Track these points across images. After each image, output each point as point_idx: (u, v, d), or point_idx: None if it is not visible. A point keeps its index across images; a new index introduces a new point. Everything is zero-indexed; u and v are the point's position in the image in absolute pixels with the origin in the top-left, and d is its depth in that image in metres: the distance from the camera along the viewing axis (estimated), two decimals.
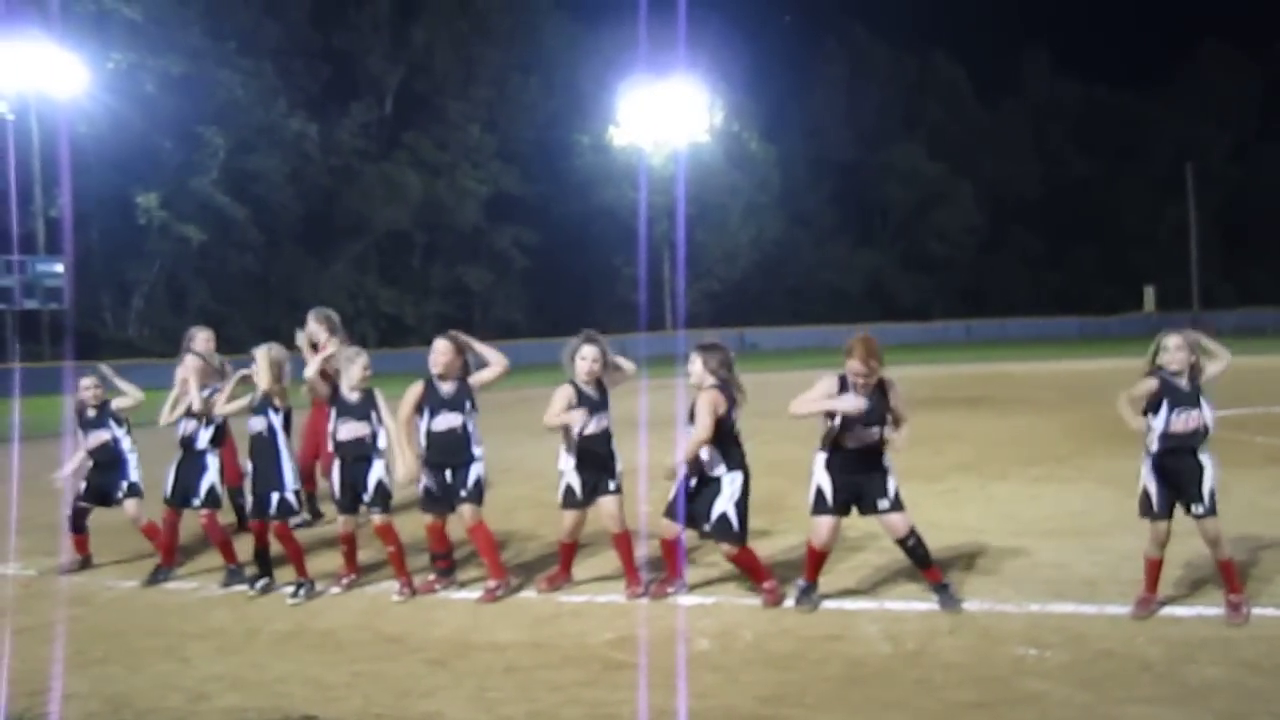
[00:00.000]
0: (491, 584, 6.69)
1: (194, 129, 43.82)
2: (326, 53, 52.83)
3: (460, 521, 6.76)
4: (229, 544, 7.56)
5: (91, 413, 7.87)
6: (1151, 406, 5.79)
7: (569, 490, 6.64)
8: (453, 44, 54.27)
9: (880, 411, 6.02)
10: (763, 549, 6.97)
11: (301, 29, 51.56)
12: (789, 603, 6.25)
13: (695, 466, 6.25)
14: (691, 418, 6.25)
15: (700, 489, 6.26)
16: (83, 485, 7.95)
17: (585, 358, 6.55)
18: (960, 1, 79.71)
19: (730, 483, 6.21)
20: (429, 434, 6.70)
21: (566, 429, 6.51)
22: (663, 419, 6.28)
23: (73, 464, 8.04)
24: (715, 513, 6.19)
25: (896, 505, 6.08)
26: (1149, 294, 59.51)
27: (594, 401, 6.56)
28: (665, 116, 51.92)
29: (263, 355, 7.05)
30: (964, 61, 69.67)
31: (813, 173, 64.33)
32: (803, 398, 6.05)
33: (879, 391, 6.02)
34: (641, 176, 52.96)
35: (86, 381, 7.90)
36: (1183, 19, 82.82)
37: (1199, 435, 5.72)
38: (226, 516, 9.31)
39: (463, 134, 53.63)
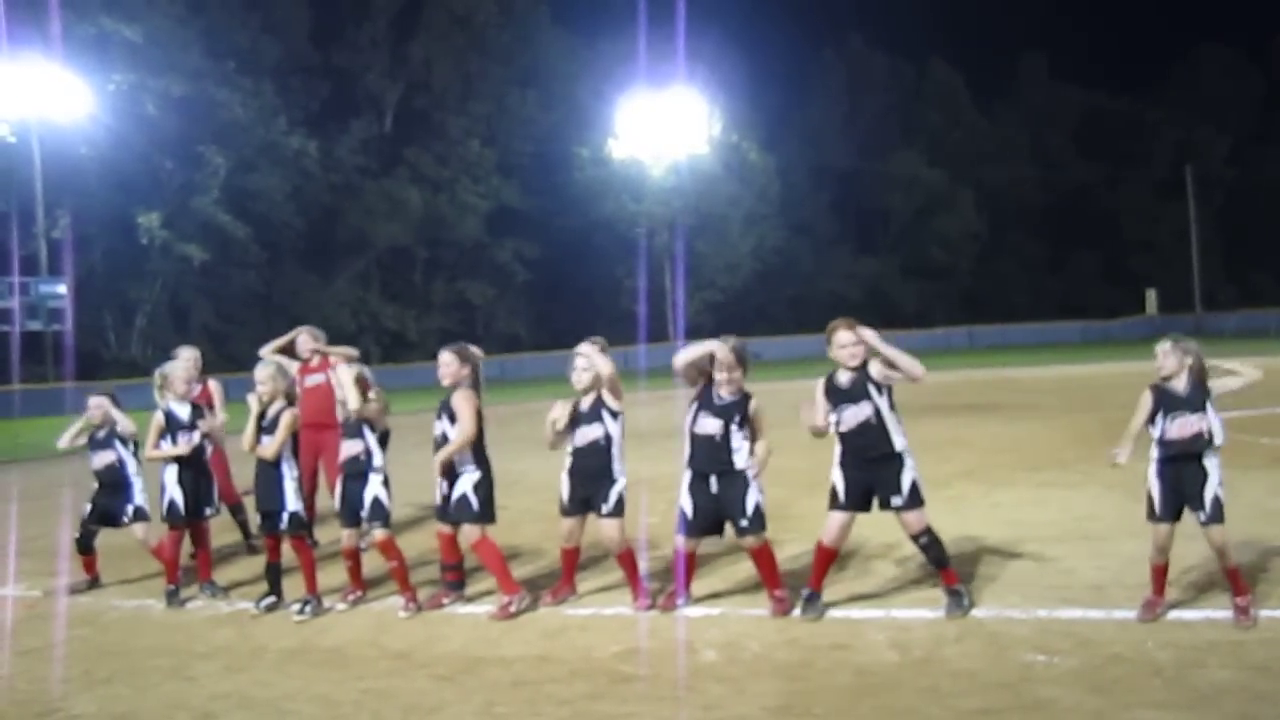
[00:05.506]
0: (504, 599, 6.65)
1: (195, 149, 44.03)
2: (326, 70, 53.08)
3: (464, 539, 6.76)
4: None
5: (100, 433, 7.87)
6: (1151, 415, 5.78)
7: (561, 499, 6.75)
8: (451, 60, 54.52)
9: (862, 388, 6.00)
10: None
11: (300, 47, 51.80)
12: (796, 612, 6.23)
13: (721, 461, 6.19)
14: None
15: (723, 485, 6.21)
16: (88, 507, 7.96)
17: (576, 368, 6.63)
18: (957, 9, 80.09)
19: (755, 477, 6.25)
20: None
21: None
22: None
23: (70, 434, 8.07)
24: (750, 505, 6.19)
25: (911, 502, 6.05)
26: (1151, 297, 59.43)
27: (584, 414, 6.59)
28: (664, 128, 52.04)
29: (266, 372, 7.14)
30: (962, 69, 69.91)
31: (812, 182, 64.45)
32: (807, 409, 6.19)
33: (863, 368, 6.04)
34: (641, 188, 53.16)
35: (95, 400, 7.89)
36: (1179, 21, 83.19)
37: (1200, 441, 5.66)
38: (232, 534, 9.35)
39: (462, 149, 53.82)
